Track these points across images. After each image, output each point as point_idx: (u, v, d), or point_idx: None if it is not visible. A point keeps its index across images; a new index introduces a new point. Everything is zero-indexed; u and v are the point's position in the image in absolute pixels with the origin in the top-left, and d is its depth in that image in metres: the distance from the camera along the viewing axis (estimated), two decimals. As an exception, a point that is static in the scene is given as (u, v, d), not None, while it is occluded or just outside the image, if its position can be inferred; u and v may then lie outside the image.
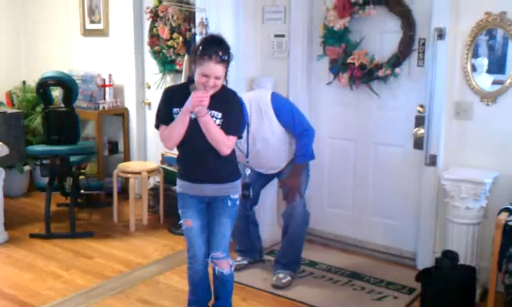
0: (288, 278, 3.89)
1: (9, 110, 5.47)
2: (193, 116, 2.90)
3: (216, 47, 2.83)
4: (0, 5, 6.29)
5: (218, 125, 2.92)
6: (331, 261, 4.25)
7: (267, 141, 3.77)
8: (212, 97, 2.86)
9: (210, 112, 2.89)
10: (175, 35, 5.31)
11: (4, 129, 5.08)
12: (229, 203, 3.09)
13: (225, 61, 2.86)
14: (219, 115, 2.93)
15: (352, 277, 3.99)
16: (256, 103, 3.73)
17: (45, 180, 5.19)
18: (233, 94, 3.05)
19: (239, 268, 4.05)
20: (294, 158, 3.83)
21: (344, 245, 4.53)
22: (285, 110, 3.77)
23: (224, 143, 2.93)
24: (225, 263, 3.17)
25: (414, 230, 4.16)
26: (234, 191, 3.12)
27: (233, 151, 3.08)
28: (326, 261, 4.26)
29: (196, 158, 3.02)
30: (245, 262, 4.17)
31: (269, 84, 4.42)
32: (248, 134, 3.69)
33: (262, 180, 4.06)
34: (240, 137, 3.10)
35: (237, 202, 3.14)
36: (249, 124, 3.70)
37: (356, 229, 4.52)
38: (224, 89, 2.97)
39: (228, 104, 2.97)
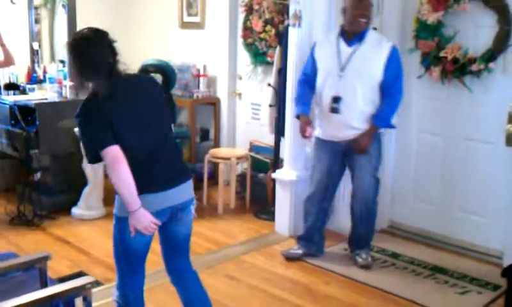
0: (370, 258, 4.03)
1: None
2: None
3: None
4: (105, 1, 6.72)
5: None
6: (414, 254, 4.24)
7: (360, 79, 3.76)
8: None
9: None
10: (267, 27, 5.48)
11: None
12: None
13: None
14: None
15: (435, 271, 3.98)
16: (379, 36, 3.86)
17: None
18: None
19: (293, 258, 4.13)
20: (373, 119, 3.80)
21: (428, 240, 4.50)
22: (397, 61, 3.79)
23: None
24: None
25: (502, 228, 4.07)
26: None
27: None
28: (409, 253, 4.26)
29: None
30: (300, 252, 4.16)
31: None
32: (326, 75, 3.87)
33: (336, 159, 3.97)
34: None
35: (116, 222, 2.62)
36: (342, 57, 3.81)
37: (441, 224, 4.48)
38: None
39: None
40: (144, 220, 2.47)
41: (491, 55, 4.02)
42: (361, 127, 3.80)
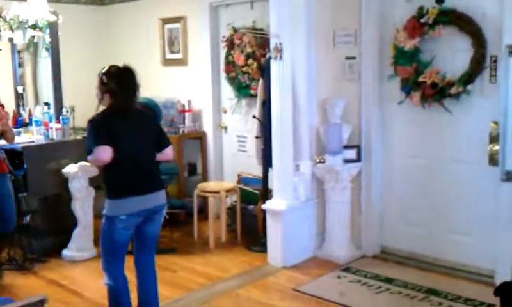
0: None
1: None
2: None
3: None
4: (86, 37, 6.82)
5: None
6: (407, 278, 4.28)
7: None
8: None
9: None
10: (249, 61, 5.57)
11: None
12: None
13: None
14: None
15: (430, 294, 4.01)
16: None
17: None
18: None
19: None
20: None
21: (419, 263, 4.55)
22: None
23: None
24: None
25: (491, 247, 4.13)
26: None
27: None
28: (402, 277, 4.30)
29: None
30: None
31: (340, 105, 4.61)
32: None
33: None
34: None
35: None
36: None
37: (431, 247, 4.54)
38: None
39: None
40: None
41: (468, 78, 4.13)
42: None
